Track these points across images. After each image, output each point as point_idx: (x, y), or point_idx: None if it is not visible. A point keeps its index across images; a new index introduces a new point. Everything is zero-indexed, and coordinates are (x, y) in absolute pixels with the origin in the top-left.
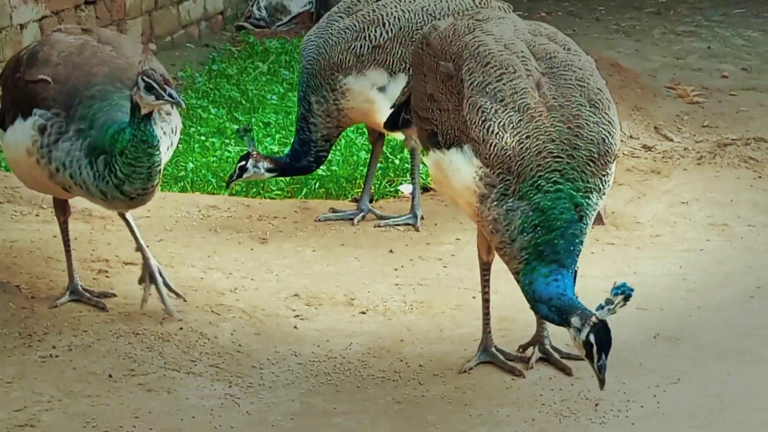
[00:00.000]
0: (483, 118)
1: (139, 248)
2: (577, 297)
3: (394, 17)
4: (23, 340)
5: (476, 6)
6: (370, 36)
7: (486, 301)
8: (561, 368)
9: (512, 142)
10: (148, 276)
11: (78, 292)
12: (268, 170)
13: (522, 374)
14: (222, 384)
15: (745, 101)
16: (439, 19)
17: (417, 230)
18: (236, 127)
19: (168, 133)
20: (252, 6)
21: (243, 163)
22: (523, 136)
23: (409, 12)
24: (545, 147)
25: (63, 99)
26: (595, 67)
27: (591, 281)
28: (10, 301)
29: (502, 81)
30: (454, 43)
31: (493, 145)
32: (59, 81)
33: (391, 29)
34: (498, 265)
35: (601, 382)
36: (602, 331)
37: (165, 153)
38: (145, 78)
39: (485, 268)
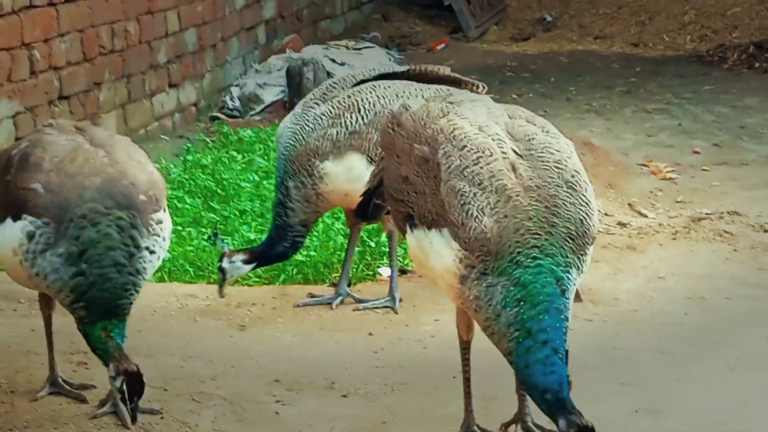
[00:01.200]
0: (462, 202)
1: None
2: (570, 385)
3: (370, 103)
4: None
5: (437, 94)
6: (345, 122)
7: (467, 380)
8: None
9: (490, 223)
10: (111, 399)
11: (58, 384)
12: (245, 262)
13: None
14: None
15: (718, 176)
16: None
17: (396, 312)
18: (206, 234)
19: (158, 249)
20: (225, 97)
21: (219, 264)
22: (501, 216)
23: (384, 98)
24: (523, 225)
25: (53, 210)
26: (573, 149)
27: (571, 357)
28: None
29: (479, 164)
30: (428, 126)
31: (472, 228)
32: (50, 190)
33: (367, 115)
34: (478, 344)
35: None
36: None
37: (153, 267)
38: (123, 385)
39: (465, 347)
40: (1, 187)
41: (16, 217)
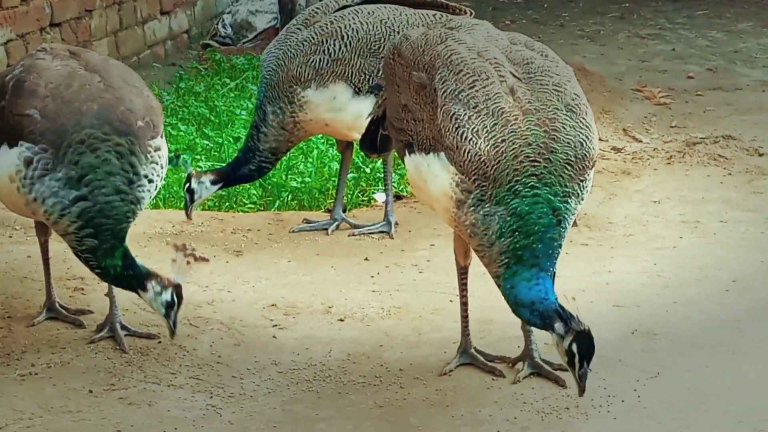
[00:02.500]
0: (456, 125)
1: (110, 295)
2: (557, 299)
3: (353, 29)
4: (1, 359)
5: (437, 20)
6: (328, 49)
7: (464, 304)
8: (554, 380)
9: (486, 147)
10: (108, 325)
11: (55, 309)
12: (213, 182)
13: (502, 374)
14: (203, 395)
15: (712, 101)
16: (398, 32)
17: (391, 237)
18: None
19: (155, 178)
20: (217, 24)
21: (188, 185)
22: (498, 140)
23: (367, 24)
24: (522, 151)
25: (51, 136)
26: (572, 74)
27: (566, 281)
28: None
29: (474, 88)
30: (426, 53)
31: (466, 151)
32: (47, 116)
33: (350, 42)
34: (474, 269)
35: (581, 390)
36: (585, 340)
37: (150, 196)
38: (174, 296)
39: (462, 272)
40: None
41: (12, 144)
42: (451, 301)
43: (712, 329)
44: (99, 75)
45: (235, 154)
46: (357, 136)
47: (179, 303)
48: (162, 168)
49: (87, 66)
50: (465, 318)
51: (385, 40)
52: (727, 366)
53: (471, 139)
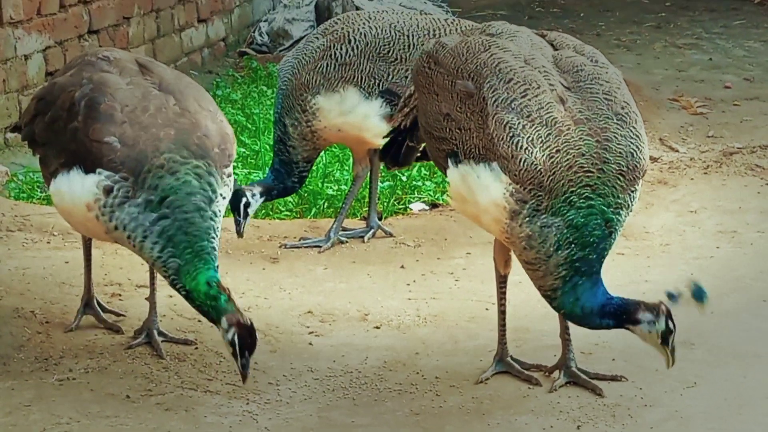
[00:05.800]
0: (510, 134)
1: (150, 300)
2: None
3: (361, 34)
4: (40, 364)
5: (447, 25)
6: (335, 54)
7: (502, 313)
8: (591, 389)
9: (542, 156)
10: (146, 330)
11: (92, 307)
12: (261, 195)
13: (539, 383)
14: (239, 401)
15: (749, 110)
16: (409, 35)
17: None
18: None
19: (227, 196)
20: (254, 32)
21: (245, 200)
22: (553, 151)
23: (376, 28)
24: (576, 161)
25: (131, 163)
26: (622, 80)
27: None
28: (25, 327)
29: (526, 96)
30: (470, 61)
31: (522, 160)
32: (126, 143)
33: (357, 46)
34: (510, 277)
35: (673, 362)
36: (672, 317)
37: (224, 210)
38: (234, 337)
39: (502, 281)
40: (66, 133)
41: (88, 170)
42: (487, 309)
43: (749, 339)
44: (174, 97)
45: (272, 168)
46: (368, 136)
47: (242, 346)
48: (230, 190)
49: (161, 85)
50: (502, 326)
51: (394, 44)
52: (764, 376)
53: (527, 148)
